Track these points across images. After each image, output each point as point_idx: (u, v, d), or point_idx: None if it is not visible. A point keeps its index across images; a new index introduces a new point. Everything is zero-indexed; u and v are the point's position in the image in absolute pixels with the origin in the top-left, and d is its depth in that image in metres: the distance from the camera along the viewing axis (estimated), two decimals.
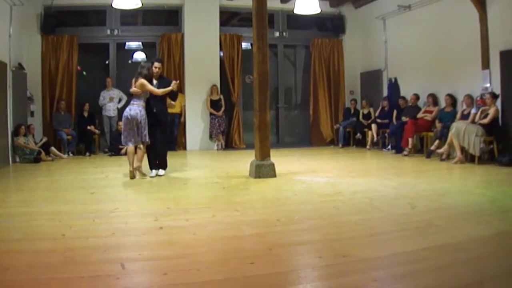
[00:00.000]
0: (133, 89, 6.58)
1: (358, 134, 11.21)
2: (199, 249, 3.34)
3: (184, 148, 11.09)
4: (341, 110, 12.21)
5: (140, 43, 12.02)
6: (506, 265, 2.95)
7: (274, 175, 6.60)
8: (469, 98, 8.31)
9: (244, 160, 7.79)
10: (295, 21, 11.86)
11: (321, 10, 8.76)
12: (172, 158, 7.58)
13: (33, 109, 10.09)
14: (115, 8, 8.73)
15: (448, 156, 8.26)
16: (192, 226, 3.97)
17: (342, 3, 11.91)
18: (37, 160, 8.68)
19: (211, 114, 11.03)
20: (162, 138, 6.94)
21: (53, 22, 10.21)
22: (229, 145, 11.42)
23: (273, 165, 6.66)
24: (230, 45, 11.38)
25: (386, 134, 10.34)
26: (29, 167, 8.18)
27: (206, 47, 11.00)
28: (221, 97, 11.11)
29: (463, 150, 7.87)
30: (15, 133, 8.78)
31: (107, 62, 11.23)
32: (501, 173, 6.82)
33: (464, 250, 3.23)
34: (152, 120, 6.67)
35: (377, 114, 10.89)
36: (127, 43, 11.90)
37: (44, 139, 9.44)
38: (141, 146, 6.60)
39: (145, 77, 6.61)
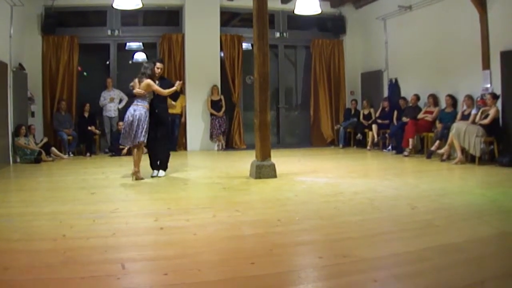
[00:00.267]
0: (137, 90, 6.53)
1: (359, 135, 11.20)
2: (199, 249, 3.34)
3: (185, 148, 11.09)
4: (341, 111, 12.20)
5: (141, 43, 12.02)
6: (506, 266, 2.95)
7: (275, 176, 6.60)
8: (470, 98, 8.30)
9: (244, 161, 7.80)
10: (296, 22, 11.85)
11: (322, 11, 8.75)
12: (172, 159, 7.57)
13: (33, 109, 10.09)
14: (115, 9, 8.72)
15: (449, 157, 8.25)
16: (192, 226, 3.97)
17: (343, 4, 11.92)
18: (37, 160, 8.68)
19: (211, 114, 11.03)
20: (163, 139, 6.95)
21: (53, 23, 10.22)
22: (229, 146, 11.42)
23: (273, 165, 6.66)
24: (231, 45, 11.38)
25: (386, 135, 10.33)
26: (30, 168, 8.18)
27: (207, 47, 11.01)
28: (222, 97, 11.12)
29: (463, 150, 7.86)
30: (16, 133, 8.78)
31: (107, 62, 11.23)
32: (501, 174, 6.81)
33: (465, 250, 3.23)
34: (154, 121, 6.67)
35: (377, 114, 10.88)
36: (127, 44, 11.89)
37: (45, 140, 9.45)
38: (136, 150, 6.53)
39: (149, 78, 6.60)
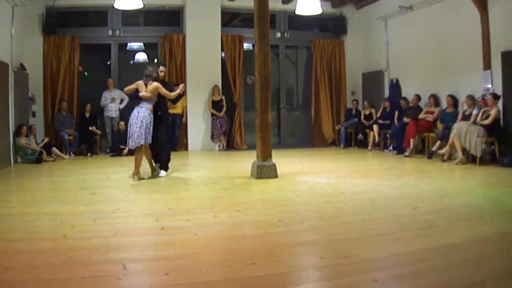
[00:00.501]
0: (144, 93, 6.56)
1: (360, 135, 11.20)
2: (200, 250, 3.34)
3: (186, 148, 11.10)
4: (342, 111, 12.20)
5: (142, 44, 12.04)
6: (507, 266, 2.95)
7: (276, 176, 6.61)
8: (471, 98, 8.30)
9: (245, 161, 7.80)
10: (297, 22, 11.86)
11: (323, 11, 8.73)
12: (173, 159, 7.60)
13: (34, 109, 10.10)
14: (116, 9, 8.73)
15: (450, 157, 8.25)
16: (193, 226, 3.97)
17: (344, 4, 11.91)
18: (38, 160, 8.69)
19: (212, 114, 11.04)
20: (164, 139, 7.01)
21: (54, 23, 10.23)
22: (230, 146, 11.43)
23: (274, 165, 6.66)
24: (232, 45, 11.38)
25: (387, 135, 10.33)
26: (31, 168, 8.19)
27: (208, 47, 11.01)
28: (223, 97, 11.12)
29: (464, 151, 7.86)
30: (17, 133, 8.80)
31: (108, 62, 11.24)
32: (502, 174, 6.81)
33: (465, 250, 3.23)
34: (157, 122, 6.70)
35: (378, 115, 10.88)
36: (128, 44, 11.91)
37: (46, 140, 9.45)
38: (138, 151, 6.56)
39: (155, 81, 6.66)
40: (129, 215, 4.44)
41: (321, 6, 8.34)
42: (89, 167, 8.27)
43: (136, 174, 6.54)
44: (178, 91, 6.91)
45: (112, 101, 10.49)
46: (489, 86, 8.14)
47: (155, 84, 6.56)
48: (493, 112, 7.69)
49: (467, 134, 7.72)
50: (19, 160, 8.82)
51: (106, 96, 10.54)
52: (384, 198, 5.11)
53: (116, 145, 10.10)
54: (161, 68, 6.98)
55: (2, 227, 3.95)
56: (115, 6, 7.64)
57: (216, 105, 11.02)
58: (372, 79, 11.80)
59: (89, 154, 10.03)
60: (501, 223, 4.02)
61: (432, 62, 9.63)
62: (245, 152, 10.49)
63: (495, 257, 3.14)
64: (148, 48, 11.96)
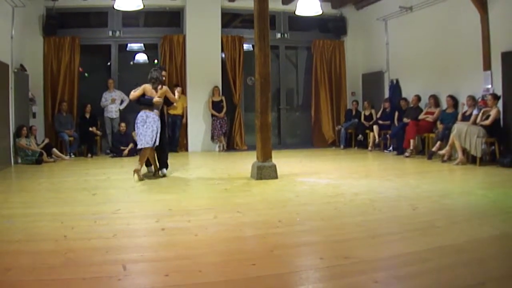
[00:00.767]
0: (157, 99, 6.75)
1: (360, 136, 11.20)
2: (200, 251, 3.34)
3: (186, 149, 11.10)
4: (342, 112, 12.21)
5: (142, 44, 12.03)
6: (508, 267, 2.95)
7: (276, 177, 6.61)
8: (471, 99, 8.30)
9: (245, 162, 7.81)
10: (297, 23, 11.87)
11: (323, 12, 8.75)
12: (174, 160, 7.64)
13: (35, 110, 10.11)
14: (116, 10, 8.74)
15: (450, 158, 8.25)
16: (193, 227, 3.97)
17: (344, 5, 11.91)
18: (39, 161, 8.69)
19: (212, 115, 11.04)
20: (166, 141, 7.23)
21: (55, 24, 10.24)
22: (230, 147, 11.43)
23: (274, 166, 6.67)
24: (232, 46, 11.39)
25: (387, 136, 10.34)
26: (31, 169, 8.19)
27: (208, 48, 11.02)
28: (223, 98, 11.12)
29: (464, 151, 7.86)
30: (17, 134, 8.80)
31: (109, 63, 11.25)
32: (502, 174, 6.81)
33: (466, 251, 3.23)
34: (161, 125, 6.90)
35: (378, 115, 10.88)
36: (129, 45, 11.90)
37: (46, 141, 9.45)
38: (145, 151, 6.69)
39: (163, 85, 6.90)
40: (129, 216, 4.44)
41: (321, 6, 8.35)
42: (89, 168, 8.27)
43: (138, 172, 6.59)
44: (177, 95, 7.08)
45: (113, 102, 10.49)
46: (489, 86, 8.15)
47: (165, 88, 6.88)
48: (493, 113, 7.69)
49: (467, 134, 7.72)
50: (19, 161, 8.82)
51: (106, 97, 10.55)
52: (384, 199, 5.11)
53: (116, 146, 10.10)
54: (163, 73, 7.22)
55: (2, 228, 3.95)
56: (115, 7, 7.65)
57: (216, 106, 11.02)
58: (372, 80, 11.80)
59: (89, 155, 10.02)
60: (501, 223, 4.02)
61: (432, 62, 9.63)
62: (245, 152, 10.50)
63: (496, 258, 3.14)
64: (148, 49, 11.96)
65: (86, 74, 11.42)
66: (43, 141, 9.45)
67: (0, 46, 8.33)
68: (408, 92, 10.43)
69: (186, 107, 10.94)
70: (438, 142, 8.57)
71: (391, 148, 10.26)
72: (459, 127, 7.92)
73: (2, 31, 8.47)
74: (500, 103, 7.87)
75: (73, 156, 9.97)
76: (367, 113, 11.34)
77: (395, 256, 3.17)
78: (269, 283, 2.73)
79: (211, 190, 6.06)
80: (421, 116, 9.44)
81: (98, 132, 10.38)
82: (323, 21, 12.01)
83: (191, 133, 11.12)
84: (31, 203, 5.21)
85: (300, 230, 3.92)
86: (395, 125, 10.12)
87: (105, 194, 5.65)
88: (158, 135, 6.70)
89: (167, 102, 7.20)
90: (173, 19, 11.57)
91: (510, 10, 7.75)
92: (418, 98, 9.86)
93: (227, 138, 11.47)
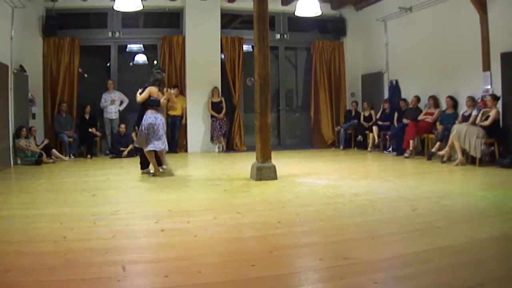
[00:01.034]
0: (164, 101, 7.00)
1: (359, 136, 11.20)
2: (200, 251, 3.34)
3: (186, 150, 11.10)
4: (342, 112, 12.21)
5: (141, 45, 12.04)
6: (507, 267, 2.95)
7: (275, 177, 6.61)
8: (470, 100, 8.31)
9: (245, 162, 7.81)
10: (296, 23, 11.88)
11: (322, 13, 8.77)
12: (173, 160, 7.66)
13: (34, 111, 10.11)
14: (116, 11, 8.74)
15: (449, 158, 8.25)
16: (193, 228, 3.97)
17: (343, 5, 11.92)
18: (38, 162, 8.69)
19: (212, 116, 11.05)
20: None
21: (54, 25, 10.24)
22: (230, 148, 11.43)
23: (274, 167, 6.67)
24: (231, 47, 11.39)
25: (387, 136, 10.35)
26: (31, 169, 8.19)
27: (207, 49, 11.02)
28: (222, 99, 11.13)
29: (464, 152, 7.87)
30: (17, 135, 8.80)
31: (108, 64, 11.25)
32: (502, 175, 6.81)
33: (465, 252, 3.23)
34: None
35: (378, 116, 10.89)
36: (128, 46, 11.92)
37: (46, 141, 9.45)
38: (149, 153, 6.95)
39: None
40: (129, 217, 4.44)
41: (320, 7, 8.37)
42: (89, 169, 8.27)
43: (158, 171, 6.99)
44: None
45: (112, 103, 10.50)
46: (489, 87, 8.15)
47: (171, 91, 7.23)
48: (492, 113, 7.70)
49: (466, 135, 7.73)
50: (19, 162, 8.82)
51: (106, 97, 10.55)
52: (384, 200, 5.11)
53: (116, 147, 10.10)
54: (163, 74, 7.40)
55: (2, 229, 3.94)
56: (115, 8, 7.67)
57: (215, 106, 11.03)
58: (372, 81, 11.81)
59: (88, 156, 10.02)
60: (501, 224, 4.01)
61: (431, 63, 9.64)
62: (245, 153, 10.50)
63: (495, 259, 3.14)
64: (148, 49, 11.97)
65: (85, 75, 11.43)
66: (42, 142, 9.45)
67: (0, 47, 8.33)
68: (407, 93, 10.43)
69: (186, 108, 10.94)
70: (438, 143, 8.58)
71: (390, 149, 10.27)
72: (458, 127, 7.93)
73: (2, 31, 8.47)
74: (499, 104, 7.87)
75: (72, 157, 9.97)
76: (366, 114, 11.34)
77: (395, 257, 3.16)
78: (268, 284, 2.73)
79: (210, 191, 6.05)
80: (421, 117, 9.44)
81: (98, 133, 10.38)
82: (323, 22, 12.03)
83: (191, 134, 11.12)
84: (30, 204, 5.21)
85: (300, 231, 3.92)
86: (395, 125, 10.12)
87: (104, 195, 5.65)
88: (163, 136, 6.93)
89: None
90: (172, 20, 11.58)
91: (509, 11, 7.76)
92: (418, 99, 9.86)
93: (227, 139, 11.48)
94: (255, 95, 6.79)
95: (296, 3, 8.58)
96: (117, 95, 10.62)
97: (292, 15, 9.91)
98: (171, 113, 10.31)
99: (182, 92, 11.03)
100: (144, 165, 7.34)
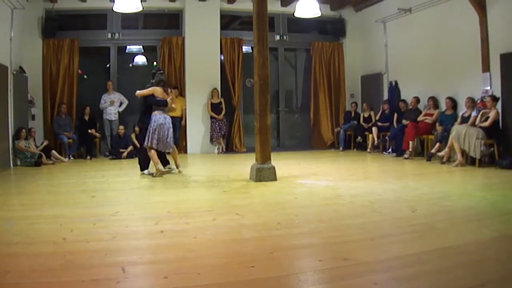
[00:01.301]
0: (170, 101, 7.21)
1: (359, 137, 11.20)
2: (199, 253, 3.34)
3: (185, 151, 11.10)
4: (341, 113, 12.22)
5: (141, 46, 12.05)
6: (507, 268, 2.94)
7: (275, 179, 6.60)
8: (470, 100, 8.31)
9: (244, 164, 7.81)
10: (296, 25, 11.88)
11: (322, 14, 8.77)
12: (173, 161, 7.65)
13: (34, 112, 10.11)
14: (116, 12, 8.74)
15: (449, 159, 8.25)
16: (192, 229, 3.96)
17: (343, 7, 11.94)
18: (38, 163, 8.68)
19: (211, 117, 11.05)
20: None
21: (54, 26, 10.24)
22: (229, 149, 11.43)
23: (273, 168, 6.66)
24: (231, 48, 11.40)
25: (386, 137, 10.34)
26: (30, 171, 8.18)
27: (207, 50, 11.03)
28: (222, 100, 11.13)
29: (463, 153, 7.87)
30: (16, 136, 8.79)
31: (108, 65, 11.25)
32: (501, 176, 6.81)
33: (465, 253, 3.23)
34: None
35: (377, 117, 10.89)
36: (128, 47, 11.92)
37: (45, 143, 9.45)
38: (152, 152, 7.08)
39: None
40: (128, 218, 4.44)
41: (320, 8, 8.38)
42: (88, 170, 8.26)
43: (161, 171, 7.05)
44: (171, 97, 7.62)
45: (111, 104, 10.49)
46: (488, 88, 8.16)
47: (175, 91, 7.03)
48: (492, 114, 7.70)
49: (466, 136, 7.73)
50: (19, 163, 8.81)
51: (106, 99, 10.55)
52: (383, 201, 5.11)
53: (115, 148, 10.10)
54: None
55: (1, 231, 3.94)
56: (115, 9, 7.66)
57: (215, 108, 11.03)
58: (371, 82, 11.81)
59: (88, 157, 10.01)
60: (501, 225, 4.01)
61: (431, 64, 9.65)
62: (244, 155, 10.49)
63: (495, 259, 3.14)
64: (147, 51, 11.98)
65: (85, 76, 11.43)
66: (42, 143, 9.44)
67: None
68: (407, 94, 10.44)
69: (185, 109, 10.94)
70: (437, 144, 8.58)
71: (390, 150, 10.26)
72: (458, 128, 7.93)
73: (1, 33, 8.47)
74: (499, 105, 7.88)
75: (72, 158, 9.96)
76: (366, 115, 11.35)
77: (395, 258, 3.16)
78: (268, 285, 2.73)
79: (210, 192, 6.05)
80: (420, 118, 9.44)
81: (97, 134, 10.38)
82: (322, 23, 12.04)
83: (190, 135, 11.12)
84: (30, 205, 5.20)
85: (299, 232, 3.91)
86: (394, 127, 10.13)
87: (104, 196, 5.65)
88: (171, 136, 7.19)
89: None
90: (172, 21, 11.58)
91: (508, 12, 7.77)
92: (417, 100, 9.86)
93: (226, 140, 11.48)
94: (254, 96, 6.79)
95: (295, 4, 8.59)
96: (116, 97, 10.62)
97: (291, 16, 9.89)
98: (171, 114, 10.24)
99: (181, 93, 11.03)
100: (143, 166, 7.34)
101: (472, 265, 2.97)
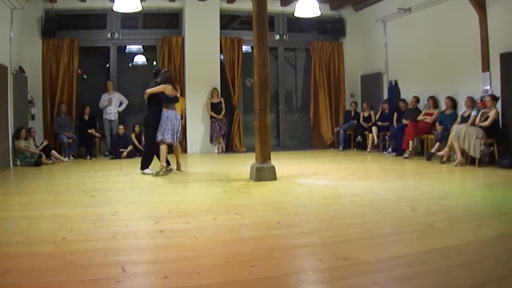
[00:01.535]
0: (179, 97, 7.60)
1: (359, 137, 11.20)
2: (199, 252, 3.34)
3: (185, 151, 11.08)
4: (341, 113, 12.21)
5: (141, 46, 12.04)
6: (507, 268, 2.94)
7: (275, 178, 6.60)
8: (470, 100, 8.31)
9: (244, 163, 7.80)
10: (296, 24, 11.88)
11: (321, 13, 8.78)
12: (173, 161, 7.67)
13: (34, 112, 10.11)
14: (115, 12, 8.74)
15: (449, 159, 8.25)
16: (192, 229, 3.96)
17: (342, 6, 11.94)
18: (37, 163, 8.68)
19: (211, 117, 11.05)
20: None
21: (53, 26, 10.24)
22: (229, 148, 11.43)
23: (273, 168, 6.66)
24: (231, 48, 11.40)
25: (386, 137, 10.35)
26: (30, 171, 8.18)
27: (207, 50, 11.02)
28: (222, 100, 11.13)
29: (463, 152, 7.87)
30: (16, 136, 8.79)
31: (107, 65, 11.25)
32: (501, 176, 6.81)
33: (465, 252, 3.23)
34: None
35: (377, 116, 10.89)
36: (127, 47, 11.91)
37: (45, 143, 9.44)
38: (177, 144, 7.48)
39: None
40: (128, 218, 4.43)
41: (319, 8, 8.38)
42: (88, 170, 8.26)
43: (164, 168, 7.21)
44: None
45: (109, 103, 10.47)
46: (488, 87, 8.16)
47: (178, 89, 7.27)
48: (492, 114, 7.70)
49: (466, 135, 7.73)
50: (18, 163, 8.81)
51: (105, 98, 10.54)
52: (383, 200, 5.11)
53: (115, 148, 10.10)
54: None
55: (1, 230, 3.94)
56: (114, 9, 7.67)
57: (215, 107, 11.03)
58: (371, 81, 11.81)
59: (88, 157, 10.01)
60: (501, 225, 4.01)
61: (431, 64, 9.65)
62: (244, 154, 10.50)
63: (495, 259, 3.14)
64: (147, 50, 11.97)
65: (85, 76, 11.43)
66: (42, 143, 9.43)
67: None
68: (407, 93, 10.44)
69: (185, 108, 10.93)
70: (437, 143, 8.58)
71: (390, 149, 10.27)
72: (458, 128, 7.93)
73: (1, 33, 8.47)
74: (499, 104, 7.88)
75: (72, 158, 9.96)
76: (366, 114, 11.35)
77: (394, 258, 3.16)
78: (268, 284, 2.73)
79: (210, 191, 6.06)
80: (420, 117, 9.44)
81: (97, 134, 10.38)
82: (322, 23, 12.04)
83: (190, 135, 11.12)
84: (30, 205, 5.20)
85: (299, 232, 3.91)
86: (394, 126, 10.13)
87: (104, 196, 5.65)
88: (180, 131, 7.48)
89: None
90: (172, 21, 11.58)
91: (508, 12, 7.77)
92: (417, 100, 9.86)
93: (226, 139, 11.48)
94: (254, 96, 6.79)
95: (295, 3, 8.59)
96: (116, 96, 10.62)
97: (291, 16, 9.90)
98: None
99: (181, 93, 11.02)
100: (146, 164, 7.32)
101: (472, 265, 2.97)
